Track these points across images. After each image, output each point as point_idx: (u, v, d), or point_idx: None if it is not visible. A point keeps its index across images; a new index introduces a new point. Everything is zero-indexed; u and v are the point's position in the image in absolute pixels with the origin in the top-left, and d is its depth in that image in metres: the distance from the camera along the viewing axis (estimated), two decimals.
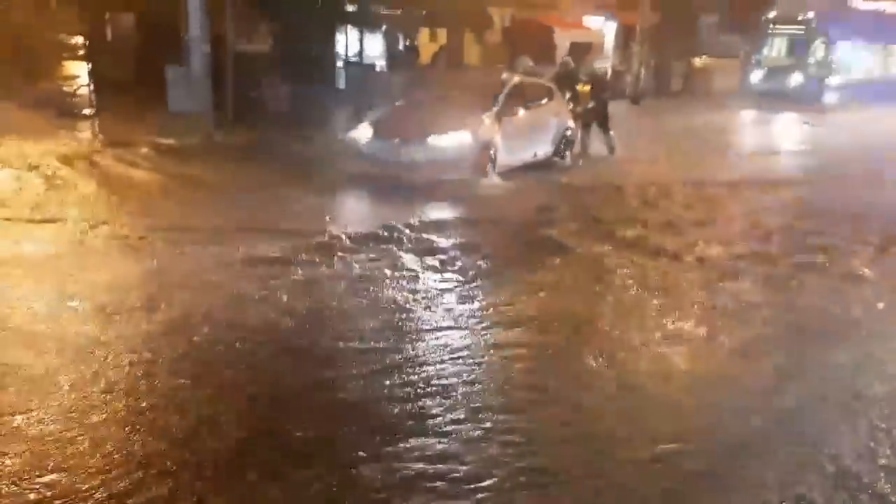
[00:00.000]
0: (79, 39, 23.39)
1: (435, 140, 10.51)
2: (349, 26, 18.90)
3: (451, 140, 10.54)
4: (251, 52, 15.37)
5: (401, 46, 20.61)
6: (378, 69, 18.42)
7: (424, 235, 8.12)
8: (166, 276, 6.55)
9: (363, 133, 11.05)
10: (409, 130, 10.74)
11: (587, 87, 14.13)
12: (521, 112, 11.70)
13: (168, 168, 11.07)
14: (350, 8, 18.21)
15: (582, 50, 22.19)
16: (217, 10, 14.55)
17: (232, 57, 14.71)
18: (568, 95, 13.72)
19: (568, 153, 13.00)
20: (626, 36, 27.65)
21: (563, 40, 22.71)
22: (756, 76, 26.06)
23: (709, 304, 6.54)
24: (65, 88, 18.25)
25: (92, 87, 17.77)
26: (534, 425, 4.40)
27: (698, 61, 27.83)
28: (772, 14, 26.19)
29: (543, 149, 12.30)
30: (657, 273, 7.23)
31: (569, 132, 13.02)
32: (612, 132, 13.94)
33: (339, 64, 18.44)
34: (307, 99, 15.78)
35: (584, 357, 5.36)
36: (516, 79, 12.50)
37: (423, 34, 21.85)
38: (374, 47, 19.83)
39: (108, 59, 19.07)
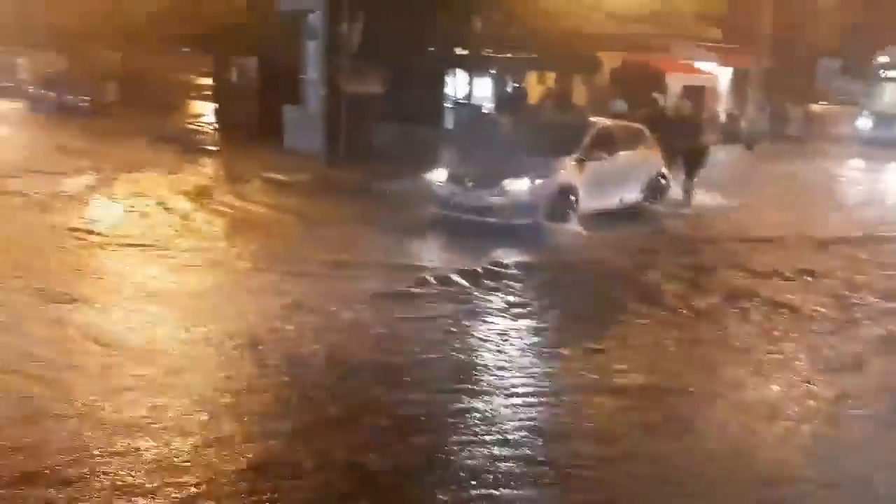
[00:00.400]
0: (206, 81, 24.87)
1: (510, 184, 10.24)
2: (459, 69, 19.31)
3: (525, 184, 10.28)
4: (363, 94, 15.92)
5: (509, 88, 20.85)
6: (485, 111, 18.68)
7: (488, 282, 7.87)
8: (299, 309, 6.77)
9: (438, 175, 10.98)
10: (483, 173, 10.55)
11: (680, 131, 13.50)
12: (607, 156, 11.30)
13: (278, 202, 11.59)
14: (460, 51, 18.61)
15: (695, 93, 21.82)
16: (333, 55, 15.20)
17: (345, 98, 15.30)
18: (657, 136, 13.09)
19: (660, 199, 12.51)
20: (740, 79, 27.01)
21: (674, 83, 22.44)
22: (864, 123, 24.79)
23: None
24: (190, 126, 19.35)
25: (216, 125, 18.85)
26: None
27: (815, 107, 26.85)
28: (883, 58, 25.03)
29: (632, 195, 11.92)
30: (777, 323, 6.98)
31: (662, 179, 12.56)
32: (695, 179, 13.31)
33: (448, 105, 18.84)
34: (415, 139, 16.19)
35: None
36: (603, 122, 12.22)
37: (532, 76, 22.03)
38: (483, 89, 20.16)
39: (232, 100, 20.20)
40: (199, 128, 20.35)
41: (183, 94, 27.24)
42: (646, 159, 12.27)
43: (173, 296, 7.10)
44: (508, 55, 19.09)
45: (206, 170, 14.69)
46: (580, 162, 10.86)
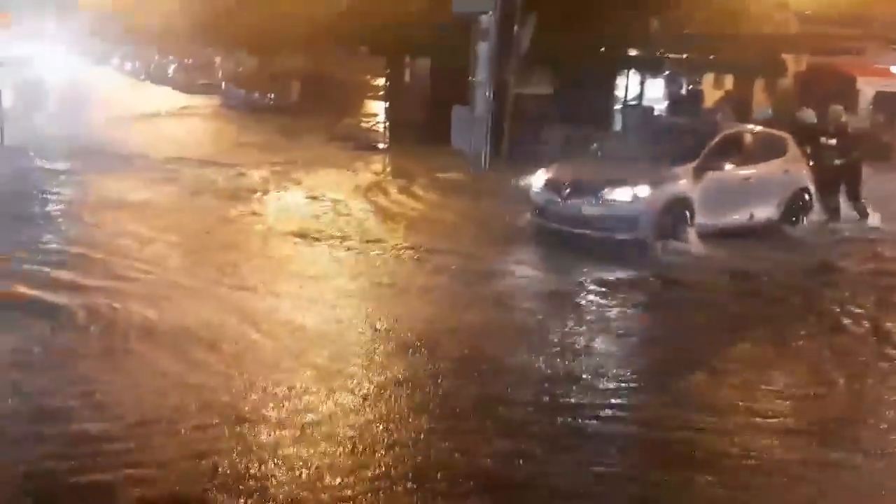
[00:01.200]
0: (380, 81, 25.78)
1: (610, 194, 9.23)
2: (631, 70, 18.87)
3: (627, 194, 9.21)
4: (531, 95, 15.92)
5: (683, 91, 20.14)
6: (657, 113, 18.14)
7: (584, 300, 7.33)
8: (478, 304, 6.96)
9: (536, 181, 10.07)
10: (581, 181, 9.57)
11: (832, 142, 11.52)
12: (734, 166, 9.99)
13: (444, 201, 11.79)
14: (633, 52, 18.18)
15: (890, 101, 20.11)
16: (503, 56, 15.28)
17: (512, 99, 15.34)
18: (809, 151, 11.42)
19: (802, 219, 10.85)
20: None
21: (867, 89, 20.78)
22: None
23: None
24: (363, 125, 20.11)
25: (387, 124, 19.49)
26: None
27: None
28: None
29: (764, 212, 10.39)
30: None
31: (806, 195, 10.93)
32: (863, 199, 11.42)
33: (618, 107, 18.46)
34: (581, 142, 15.98)
35: None
36: (735, 127, 11.11)
37: (708, 79, 21.15)
38: (655, 91, 19.60)
39: (405, 100, 20.81)
40: (372, 126, 21.08)
41: (359, 94, 28.36)
42: (787, 172, 10.74)
43: (345, 284, 7.44)
44: (684, 56, 18.44)
45: (377, 167, 15.23)
46: (699, 171, 9.59)
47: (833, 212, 11.35)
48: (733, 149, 10.23)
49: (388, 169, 15.00)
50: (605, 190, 9.26)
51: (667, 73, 19.67)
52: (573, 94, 16.01)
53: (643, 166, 9.60)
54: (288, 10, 24.27)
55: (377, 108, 23.77)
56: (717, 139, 10.11)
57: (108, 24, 47.37)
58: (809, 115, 12.28)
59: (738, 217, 10.04)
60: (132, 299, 6.43)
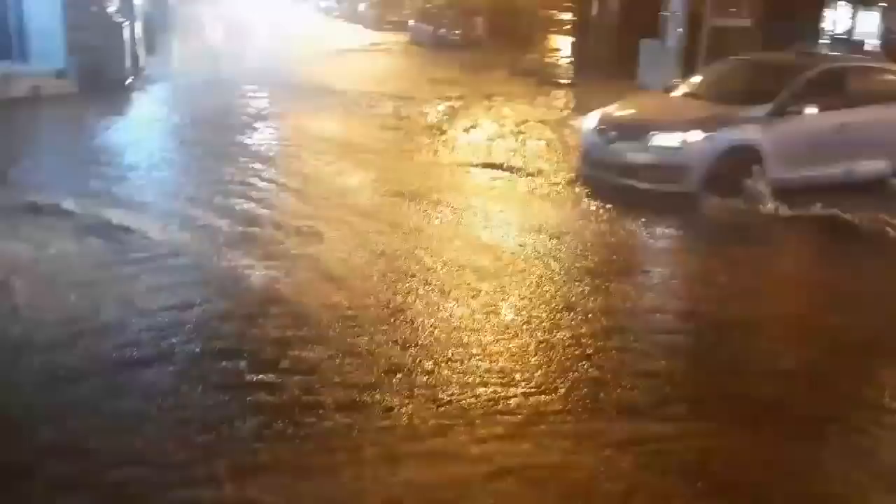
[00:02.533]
0: (567, 16, 25.27)
1: (658, 139, 8.08)
2: (841, 1, 17.36)
3: (676, 140, 8.03)
4: (730, 27, 15.06)
5: None
6: (868, 48, 16.62)
7: None
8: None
9: (587, 122, 9.03)
10: (629, 123, 8.53)
11: None
12: (824, 110, 8.38)
13: None
14: None
15: None
16: None
17: (707, 32, 14.60)
18: None
19: None
20: None
21: None
22: None
23: None
24: (548, 60, 19.92)
25: (572, 59, 19.19)
26: None
27: None
28: None
29: (871, 165, 8.73)
30: None
31: None
32: None
33: (825, 41, 17.08)
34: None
35: None
36: (834, 62, 9.41)
37: None
38: (869, 24, 17.92)
39: (592, 35, 20.33)
40: (557, 62, 20.82)
41: (544, 28, 27.98)
42: None
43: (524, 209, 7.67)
44: None
45: (559, 102, 15.12)
46: (774, 115, 8.20)
47: None
48: (829, 89, 8.65)
49: (571, 105, 14.84)
50: (652, 134, 8.12)
51: (882, 3, 17.90)
52: (775, 27, 15.00)
53: (713, 108, 8.44)
54: None
55: (563, 43, 23.42)
56: (805, 77, 8.62)
57: None
58: None
59: (831, 171, 8.38)
60: None
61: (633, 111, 9.03)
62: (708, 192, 7.83)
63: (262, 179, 8.23)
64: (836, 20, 17.56)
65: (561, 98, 15.62)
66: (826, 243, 7.23)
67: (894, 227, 7.28)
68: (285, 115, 12.32)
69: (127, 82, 13.51)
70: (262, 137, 10.48)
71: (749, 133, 8.11)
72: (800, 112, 8.26)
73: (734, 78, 9.49)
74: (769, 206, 7.75)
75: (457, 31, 26.33)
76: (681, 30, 14.72)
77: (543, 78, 17.77)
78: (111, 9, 13.78)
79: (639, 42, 16.80)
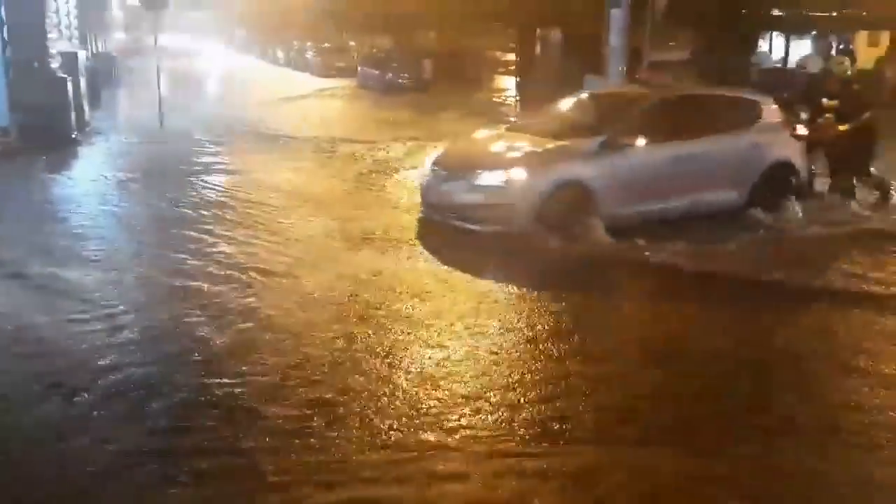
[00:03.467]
0: (512, 56, 25.79)
1: (485, 176, 7.74)
2: (774, 32, 18.03)
3: (500, 177, 7.67)
4: (667, 62, 15.52)
5: (833, 52, 19.03)
6: (802, 76, 17.25)
7: None
8: None
9: (427, 161, 8.94)
10: (462, 161, 8.32)
11: (834, 103, 9.15)
12: (660, 140, 8.04)
13: None
14: (777, 12, 17.33)
15: None
16: (637, 23, 14.98)
17: (646, 66, 15.02)
18: (807, 115, 9.32)
19: (790, 203, 8.59)
20: None
21: None
22: None
23: None
24: (495, 99, 20.25)
25: (518, 98, 19.54)
26: None
27: None
28: None
29: (719, 195, 8.37)
30: None
31: (788, 172, 8.79)
32: (874, 171, 9.23)
33: (761, 70, 17.70)
34: None
35: None
36: (666, 92, 9.08)
37: (861, 38, 19.83)
38: (801, 53, 18.61)
39: (536, 73, 20.76)
40: (504, 101, 21.18)
41: (491, 69, 28.49)
42: (755, 146, 8.68)
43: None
44: (832, 14, 17.42)
45: None
46: (606, 147, 7.79)
47: (845, 192, 9.14)
48: (666, 120, 8.32)
49: None
50: (478, 173, 7.77)
51: (813, 32, 18.65)
52: (711, 59, 15.51)
53: (545, 144, 8.03)
54: None
55: (509, 83, 23.84)
56: (638, 108, 8.36)
57: (250, 15, 49.73)
58: (813, 63, 10.28)
59: (673, 204, 8.04)
60: None
61: (466, 149, 8.82)
62: (540, 231, 7.40)
63: (210, 234, 8.00)
64: (771, 50, 18.19)
65: None
66: (634, 282, 6.79)
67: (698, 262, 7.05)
68: (236, 163, 12.25)
69: (72, 137, 13.33)
70: (210, 190, 10.37)
71: (577, 169, 7.73)
72: (631, 145, 7.88)
73: (577, 113, 9.10)
74: (603, 242, 7.44)
75: (405, 75, 26.62)
76: (622, 67, 15.09)
77: (492, 118, 18.03)
78: (54, 64, 13.64)
79: (583, 78, 17.19)
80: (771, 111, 8.99)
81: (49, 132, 12.75)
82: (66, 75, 13.67)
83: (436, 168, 8.32)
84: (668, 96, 8.89)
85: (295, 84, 28.15)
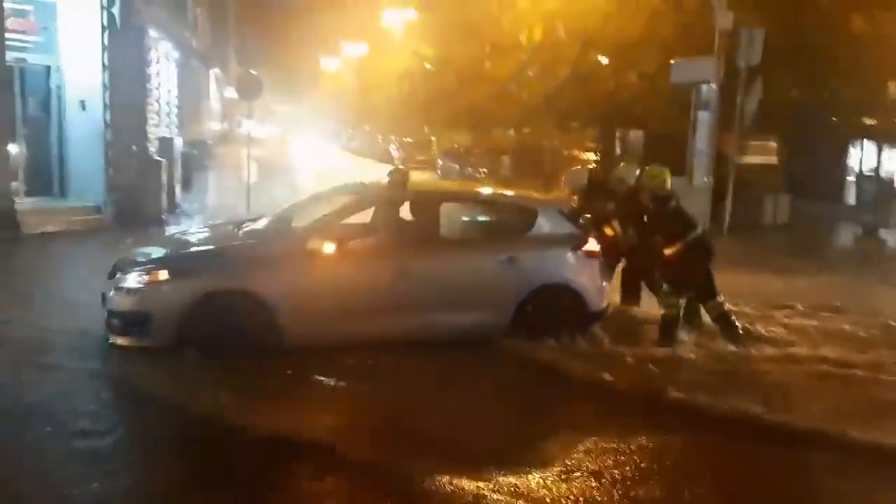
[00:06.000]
0: (590, 155, 25.87)
1: (126, 280, 6.36)
2: (865, 140, 17.57)
3: (137, 281, 6.32)
4: (755, 165, 15.22)
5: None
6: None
7: None
8: None
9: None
10: (128, 260, 6.83)
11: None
12: (373, 247, 6.75)
13: None
14: (869, 121, 16.92)
15: None
16: (725, 126, 14.81)
17: (733, 170, 14.74)
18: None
19: (571, 330, 6.93)
20: None
21: None
22: None
23: None
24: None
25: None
26: None
27: None
28: None
29: (464, 317, 6.82)
30: None
31: (570, 295, 7.05)
32: (719, 299, 7.32)
33: (851, 178, 17.18)
34: (808, 214, 15.01)
35: None
36: (429, 192, 8.10)
37: None
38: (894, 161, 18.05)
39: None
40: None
41: (567, 167, 28.54)
42: (512, 261, 6.94)
43: None
44: None
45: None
46: (292, 251, 6.45)
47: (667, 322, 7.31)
48: (412, 223, 7.23)
49: None
50: (124, 274, 6.40)
51: None
52: (801, 164, 15.15)
53: (228, 240, 7.01)
54: (504, 91, 25.14)
55: None
56: (354, 205, 7.14)
57: (337, 108, 51.73)
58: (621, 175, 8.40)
59: (395, 324, 6.58)
60: None
61: (161, 245, 7.41)
62: (190, 348, 6.08)
63: None
64: (862, 158, 17.71)
65: None
66: None
67: None
68: None
69: (161, 217, 13.75)
70: None
71: (242, 276, 6.31)
72: (344, 250, 6.47)
73: (312, 208, 7.57)
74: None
75: (483, 169, 26.97)
76: (707, 178, 14.87)
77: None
78: (151, 149, 14.25)
79: None
80: (554, 223, 7.27)
81: (140, 212, 13.19)
82: (161, 159, 14.23)
83: (112, 269, 6.66)
84: (422, 198, 7.46)
85: (377, 174, 28.72)
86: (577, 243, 7.18)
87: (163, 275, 6.30)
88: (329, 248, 6.44)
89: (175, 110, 18.33)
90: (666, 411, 5.67)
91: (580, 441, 5.02)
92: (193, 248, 7.01)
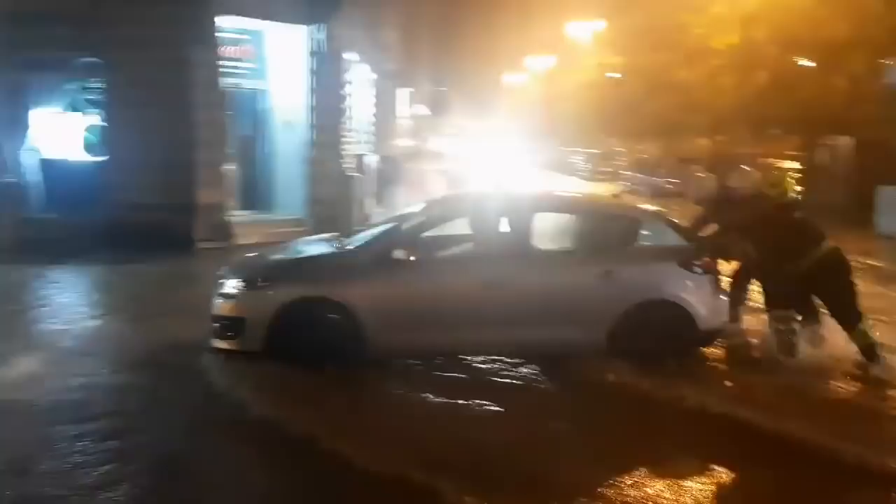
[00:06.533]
0: (790, 163, 24.30)
1: (228, 285, 6.60)
2: None
3: (233, 287, 6.54)
4: None
5: None
6: None
7: None
8: None
9: None
10: (235, 266, 7.16)
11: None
12: (460, 259, 6.79)
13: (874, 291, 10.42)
14: None
15: None
16: None
17: None
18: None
19: (679, 352, 6.48)
20: None
21: None
22: None
23: None
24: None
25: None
26: None
27: None
28: None
29: (556, 334, 6.41)
30: None
31: (675, 313, 6.50)
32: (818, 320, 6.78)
33: None
34: None
35: None
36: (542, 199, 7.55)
37: None
38: None
39: (820, 182, 19.27)
40: None
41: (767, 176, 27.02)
42: (609, 276, 6.46)
43: None
44: None
45: None
46: (377, 263, 6.41)
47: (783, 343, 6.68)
48: (480, 232, 6.90)
49: None
50: (225, 279, 6.64)
51: None
52: None
53: (324, 250, 7.04)
54: (695, 98, 24.24)
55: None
56: (424, 214, 7.05)
57: (522, 121, 52.19)
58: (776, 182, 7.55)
59: (477, 337, 6.37)
60: None
61: (269, 252, 7.41)
62: (281, 354, 6.13)
63: None
64: None
65: None
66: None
67: None
68: None
69: (354, 228, 14.47)
70: None
71: (332, 286, 6.32)
72: (419, 261, 6.39)
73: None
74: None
75: (673, 180, 26.09)
76: None
77: None
78: (347, 164, 15.07)
79: (874, 189, 15.70)
80: (656, 232, 6.88)
81: (335, 223, 13.96)
82: (356, 174, 15.02)
83: (220, 273, 6.92)
84: (515, 206, 6.95)
85: (563, 186, 28.61)
86: (685, 257, 6.63)
87: (257, 282, 6.47)
88: (413, 256, 6.37)
89: (369, 128, 19.26)
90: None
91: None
92: (290, 256, 7.09)
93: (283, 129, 14.34)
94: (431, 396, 5.77)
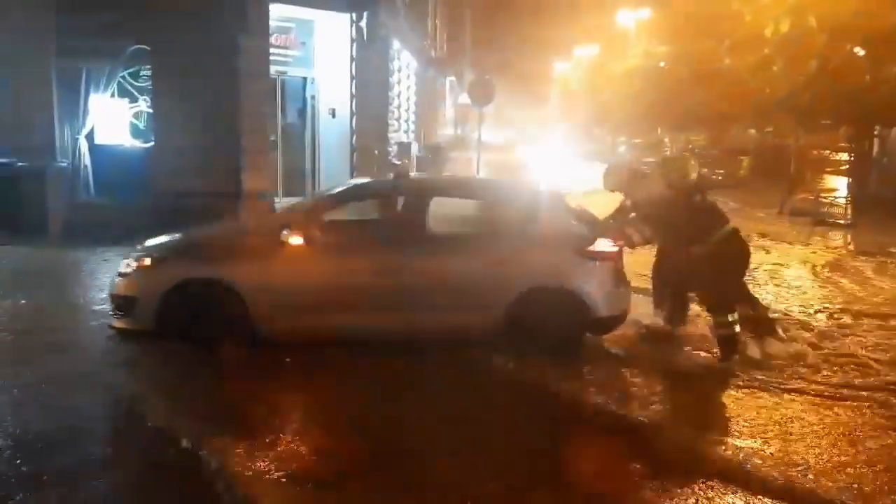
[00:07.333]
0: (842, 155, 23.76)
1: (126, 264, 6.69)
2: None
3: (127, 267, 6.63)
4: None
5: None
6: None
7: None
8: None
9: None
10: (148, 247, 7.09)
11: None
12: (351, 243, 6.62)
13: None
14: None
15: None
16: None
17: None
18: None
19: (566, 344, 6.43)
20: None
21: None
22: None
23: None
24: (822, 199, 18.65)
25: (850, 199, 17.78)
26: None
27: None
28: None
29: (455, 319, 6.34)
30: None
31: (575, 302, 6.39)
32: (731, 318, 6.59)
33: None
34: None
35: None
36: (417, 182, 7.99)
37: None
38: None
39: (872, 174, 18.85)
40: (832, 202, 19.42)
41: (816, 169, 26.44)
42: (499, 261, 6.41)
43: None
44: None
45: (837, 243, 13.95)
46: (271, 245, 6.36)
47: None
48: (376, 216, 7.10)
49: (850, 245, 13.62)
50: (128, 258, 6.68)
51: None
52: None
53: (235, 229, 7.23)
54: (742, 87, 23.79)
55: (836, 182, 21.93)
56: (334, 196, 7.03)
57: (565, 114, 51.83)
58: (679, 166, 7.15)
59: (370, 320, 6.30)
60: None
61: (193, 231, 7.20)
62: (172, 335, 6.22)
63: None
64: None
65: (839, 239, 14.42)
66: None
67: None
68: None
69: None
70: None
71: (220, 266, 6.28)
72: (311, 244, 6.32)
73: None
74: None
75: (720, 171, 25.76)
76: None
77: (818, 218, 16.60)
78: (391, 152, 15.21)
79: None
80: (552, 217, 6.73)
81: None
82: (399, 161, 15.14)
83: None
84: (412, 191, 6.97)
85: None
86: (581, 242, 6.52)
87: (147, 261, 6.52)
88: (303, 239, 6.32)
89: (413, 116, 19.38)
90: None
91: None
92: (188, 236, 7.02)
93: (329, 116, 14.49)
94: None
